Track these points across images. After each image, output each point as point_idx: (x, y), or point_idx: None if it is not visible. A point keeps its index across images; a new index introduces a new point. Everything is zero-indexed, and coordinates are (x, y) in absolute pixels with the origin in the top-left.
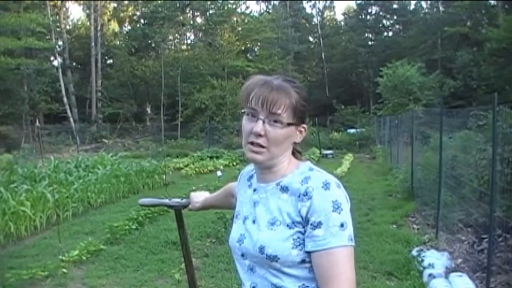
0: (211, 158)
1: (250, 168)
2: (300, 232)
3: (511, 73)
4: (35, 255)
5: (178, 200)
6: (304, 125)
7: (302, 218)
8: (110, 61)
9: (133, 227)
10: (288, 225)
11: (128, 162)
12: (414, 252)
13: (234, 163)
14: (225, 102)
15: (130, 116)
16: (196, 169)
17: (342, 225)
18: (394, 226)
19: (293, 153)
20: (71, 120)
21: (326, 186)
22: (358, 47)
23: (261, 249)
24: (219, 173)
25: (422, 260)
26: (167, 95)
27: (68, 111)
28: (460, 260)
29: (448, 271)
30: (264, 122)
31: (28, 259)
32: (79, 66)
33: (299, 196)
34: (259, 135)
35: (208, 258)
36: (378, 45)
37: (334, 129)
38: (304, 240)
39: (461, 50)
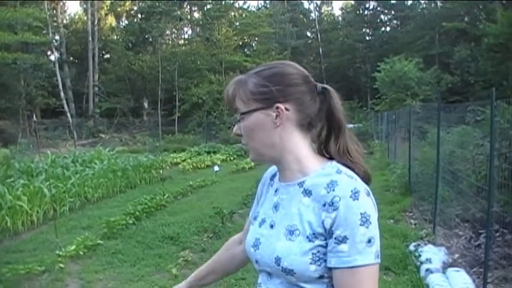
0: (208, 153)
1: (273, 167)
2: (320, 246)
3: (508, 68)
4: (31, 250)
5: None
6: (278, 105)
7: (325, 230)
8: (107, 56)
9: (131, 221)
10: (307, 237)
11: (125, 157)
12: (411, 247)
13: (231, 158)
14: (223, 97)
15: (128, 110)
16: (194, 164)
17: (369, 240)
18: (392, 221)
19: (322, 149)
20: (68, 115)
21: (355, 195)
22: (355, 42)
23: (277, 260)
24: (216, 168)
25: (420, 255)
26: (164, 89)
27: (65, 105)
28: (457, 255)
29: (445, 266)
30: (238, 121)
31: (25, 254)
32: (76, 61)
33: (324, 205)
34: (238, 136)
35: (205, 253)
36: (375, 40)
37: None
38: (324, 254)
39: (458, 45)
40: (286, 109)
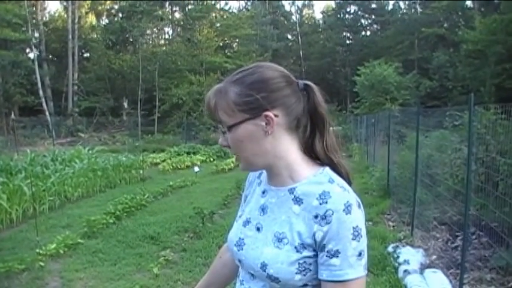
0: (188, 153)
1: None
2: (307, 257)
3: (486, 74)
4: (11, 248)
5: None
6: (267, 113)
7: (315, 242)
8: (86, 54)
9: (111, 221)
10: (295, 248)
11: (104, 156)
12: (390, 249)
13: (211, 159)
14: (203, 98)
15: (107, 110)
16: (174, 164)
17: (359, 254)
18: (370, 223)
19: (309, 147)
20: (47, 113)
21: (347, 209)
22: (336, 46)
23: (263, 266)
24: (196, 169)
25: (398, 257)
26: (144, 89)
27: (44, 104)
28: (434, 257)
29: (423, 267)
30: (224, 132)
31: (4, 252)
32: (55, 59)
33: (316, 217)
34: (226, 147)
35: (185, 252)
36: (355, 44)
37: None
38: (310, 265)
39: (437, 50)
40: (275, 115)
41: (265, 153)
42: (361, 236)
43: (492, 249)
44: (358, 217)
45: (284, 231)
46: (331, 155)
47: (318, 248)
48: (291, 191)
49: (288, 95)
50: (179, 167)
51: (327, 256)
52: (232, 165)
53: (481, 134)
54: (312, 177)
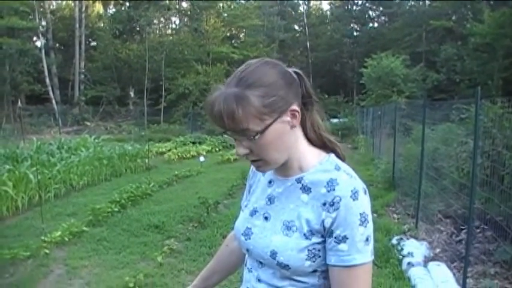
0: (194, 143)
1: None
2: (316, 243)
3: (493, 68)
4: (16, 236)
5: None
6: (293, 107)
7: (324, 228)
8: (93, 43)
9: (116, 209)
10: (304, 235)
11: (110, 145)
12: (394, 241)
13: (217, 149)
14: (209, 88)
15: (113, 99)
16: (179, 154)
17: (367, 239)
18: (375, 215)
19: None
20: (53, 101)
21: (355, 195)
22: (343, 37)
23: (273, 254)
24: (201, 158)
25: (402, 249)
26: (151, 79)
27: (50, 92)
28: (438, 250)
29: (427, 260)
30: (240, 140)
31: (10, 239)
32: (62, 48)
33: (324, 204)
34: (247, 155)
35: (190, 242)
36: (362, 36)
37: None
38: (319, 251)
39: (445, 43)
40: (298, 107)
41: (288, 148)
42: (368, 222)
43: (496, 243)
44: (364, 203)
45: (293, 219)
46: (322, 133)
47: (326, 234)
48: (299, 180)
49: (296, 85)
50: (185, 157)
51: (335, 242)
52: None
53: (488, 127)
54: (318, 166)
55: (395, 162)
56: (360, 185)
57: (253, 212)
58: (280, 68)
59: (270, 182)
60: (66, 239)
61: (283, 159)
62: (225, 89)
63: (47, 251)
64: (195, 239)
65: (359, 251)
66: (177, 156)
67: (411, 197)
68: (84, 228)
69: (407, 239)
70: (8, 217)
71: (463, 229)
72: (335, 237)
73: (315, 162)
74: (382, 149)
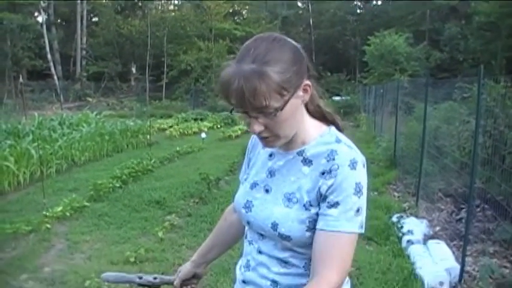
0: (195, 120)
1: None
2: (316, 214)
3: (497, 48)
4: (18, 211)
5: (150, 278)
6: (306, 82)
7: (320, 195)
8: (95, 19)
9: (117, 185)
10: (304, 206)
11: (112, 121)
12: (394, 219)
13: (219, 125)
14: (211, 64)
15: (115, 75)
16: (181, 130)
17: (358, 210)
18: (376, 193)
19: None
20: (55, 77)
21: (353, 165)
22: (346, 15)
23: (274, 226)
24: (203, 135)
25: (402, 227)
26: (153, 55)
27: (52, 68)
28: (438, 228)
29: (426, 238)
30: (256, 118)
31: (11, 214)
32: (64, 23)
33: (323, 173)
34: (260, 132)
35: (191, 217)
36: (366, 13)
37: None
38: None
39: (449, 22)
40: (308, 85)
41: (298, 123)
42: (362, 194)
43: (496, 222)
44: (361, 175)
45: (293, 191)
46: (321, 105)
47: (321, 200)
48: (300, 153)
49: (305, 61)
50: (186, 133)
51: (326, 206)
52: (239, 132)
53: (490, 106)
54: (319, 138)
55: (397, 141)
56: (360, 157)
57: (254, 185)
58: (291, 43)
59: (270, 155)
60: (68, 214)
61: (293, 134)
62: (241, 66)
63: (49, 226)
64: (196, 214)
65: (348, 219)
66: (178, 133)
67: (412, 175)
68: (86, 203)
69: (408, 216)
70: (9, 192)
71: (463, 208)
72: (327, 202)
73: (316, 135)
74: (383, 127)
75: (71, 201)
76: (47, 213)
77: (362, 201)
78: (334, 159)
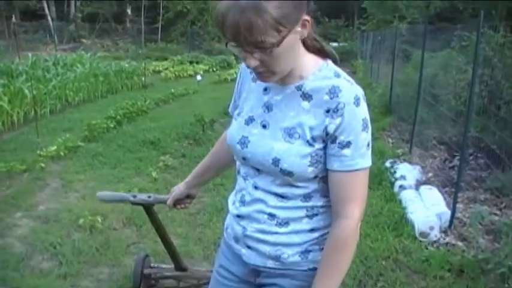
0: (191, 62)
1: None
2: (318, 149)
3: None
4: (12, 150)
5: (144, 197)
6: (304, 17)
7: (327, 134)
8: None
9: (112, 125)
10: (307, 141)
11: (107, 62)
12: (387, 164)
13: (214, 69)
14: (208, 7)
15: (110, 16)
16: (176, 72)
17: (368, 144)
18: None
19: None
20: (49, 18)
21: (357, 101)
22: None
23: (276, 161)
24: (198, 77)
25: (395, 172)
26: None
27: (46, 8)
28: (431, 174)
29: (419, 184)
30: (252, 52)
31: (6, 153)
32: None
33: (328, 111)
34: (256, 67)
35: (185, 158)
36: None
37: None
38: (321, 157)
39: None
40: (307, 20)
41: (295, 58)
42: (369, 128)
43: (489, 171)
44: (365, 109)
45: (294, 126)
46: (316, 38)
47: (328, 139)
48: (299, 87)
49: None
50: (181, 76)
51: (338, 147)
52: (235, 75)
53: (488, 56)
54: (317, 73)
55: (393, 87)
56: (360, 92)
57: (250, 121)
58: None
59: (265, 89)
60: (62, 153)
61: (289, 69)
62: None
63: (43, 165)
64: (190, 155)
65: (362, 155)
66: (173, 75)
67: (407, 122)
68: (80, 143)
69: (401, 162)
70: (3, 132)
71: (457, 156)
72: (339, 143)
73: (313, 69)
74: (380, 74)
75: (65, 141)
76: (41, 153)
77: (369, 136)
78: (338, 96)
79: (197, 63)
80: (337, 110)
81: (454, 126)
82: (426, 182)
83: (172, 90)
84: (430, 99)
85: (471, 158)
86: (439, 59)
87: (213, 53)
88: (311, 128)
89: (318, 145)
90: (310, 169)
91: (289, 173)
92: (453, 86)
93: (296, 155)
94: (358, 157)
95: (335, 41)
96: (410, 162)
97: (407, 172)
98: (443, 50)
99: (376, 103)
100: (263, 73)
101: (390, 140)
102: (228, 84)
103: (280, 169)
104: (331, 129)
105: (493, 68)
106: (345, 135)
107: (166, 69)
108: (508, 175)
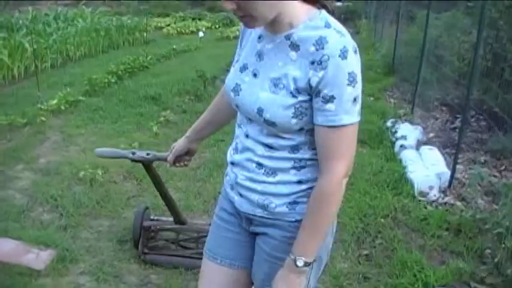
0: (193, 19)
1: None
2: (303, 101)
3: None
4: (13, 103)
5: (143, 154)
6: None
7: (311, 87)
8: None
9: (113, 80)
10: (291, 93)
11: (108, 17)
12: (388, 124)
13: (217, 26)
14: None
15: None
16: (178, 29)
17: (354, 99)
18: (371, 98)
19: None
20: None
21: (343, 54)
22: None
23: (260, 111)
24: (200, 34)
25: (396, 132)
26: None
27: None
28: (432, 135)
29: (420, 144)
30: None
31: (6, 107)
32: None
33: (312, 63)
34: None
35: (186, 114)
36: None
37: None
38: (306, 109)
39: None
40: None
41: (278, 4)
42: (357, 82)
43: (490, 133)
44: (353, 62)
45: (280, 77)
46: None
47: (312, 92)
48: (288, 37)
49: None
50: (184, 32)
51: (322, 102)
52: (237, 32)
53: (494, 18)
54: (308, 22)
55: (396, 48)
56: (350, 43)
57: (243, 68)
58: None
59: (259, 37)
60: (63, 107)
61: (272, 15)
62: None
63: (44, 119)
64: (191, 111)
65: (346, 111)
66: (176, 31)
67: (409, 82)
68: (81, 98)
69: (402, 122)
70: (4, 85)
71: (459, 117)
72: (322, 97)
73: (304, 18)
74: (384, 34)
75: (65, 95)
76: (42, 106)
77: (357, 90)
78: (323, 48)
79: (199, 20)
80: (321, 63)
81: (456, 88)
82: (427, 143)
83: (174, 46)
84: (433, 60)
85: (473, 119)
86: (444, 20)
87: (215, 10)
88: (295, 79)
89: (302, 97)
90: (294, 121)
91: (272, 124)
92: (457, 47)
93: (279, 106)
94: (343, 112)
95: (339, 0)
96: (411, 123)
97: (408, 132)
98: (449, 11)
99: (379, 63)
100: (244, 18)
101: (392, 100)
102: (230, 42)
103: (264, 119)
104: (314, 82)
105: (498, 31)
106: (328, 89)
107: (169, 25)
108: (509, 138)
